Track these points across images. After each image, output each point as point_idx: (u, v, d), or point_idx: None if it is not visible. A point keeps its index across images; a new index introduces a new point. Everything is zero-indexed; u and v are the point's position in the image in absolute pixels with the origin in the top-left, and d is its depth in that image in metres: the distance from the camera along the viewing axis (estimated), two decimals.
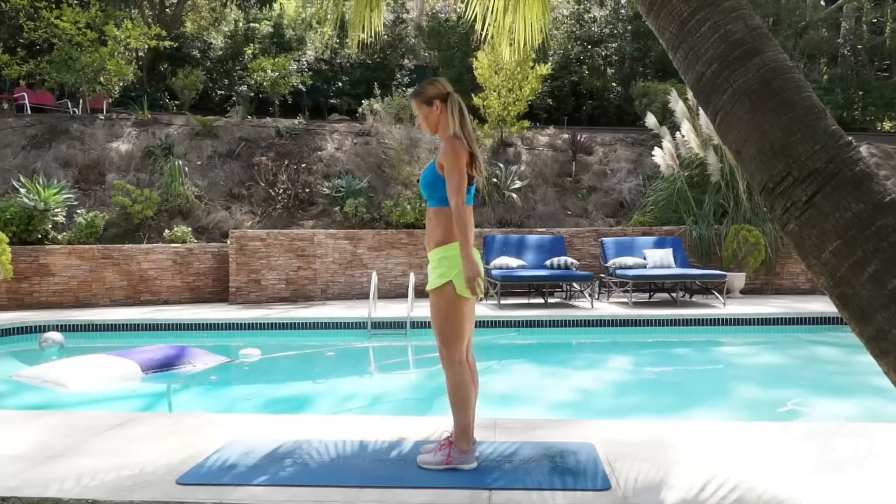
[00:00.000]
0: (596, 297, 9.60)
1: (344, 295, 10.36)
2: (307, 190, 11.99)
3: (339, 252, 10.39)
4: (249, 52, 17.41)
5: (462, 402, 2.96)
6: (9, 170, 11.52)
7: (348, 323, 8.22)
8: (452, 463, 2.93)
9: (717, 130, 2.39)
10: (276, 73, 15.03)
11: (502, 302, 9.43)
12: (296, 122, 14.07)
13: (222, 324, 8.33)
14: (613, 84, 18.54)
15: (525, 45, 5.01)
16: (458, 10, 16.56)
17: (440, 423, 3.55)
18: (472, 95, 13.47)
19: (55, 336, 7.41)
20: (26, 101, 14.10)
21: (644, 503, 2.61)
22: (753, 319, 8.21)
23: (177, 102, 16.23)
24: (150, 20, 17.28)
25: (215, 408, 5.23)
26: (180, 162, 11.71)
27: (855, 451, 3.16)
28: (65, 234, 10.28)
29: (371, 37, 5.02)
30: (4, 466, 3.04)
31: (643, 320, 8.26)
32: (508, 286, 9.73)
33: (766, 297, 10.28)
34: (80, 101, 13.96)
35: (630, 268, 9.41)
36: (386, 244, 10.50)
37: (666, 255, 9.66)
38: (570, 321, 8.25)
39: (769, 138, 2.19)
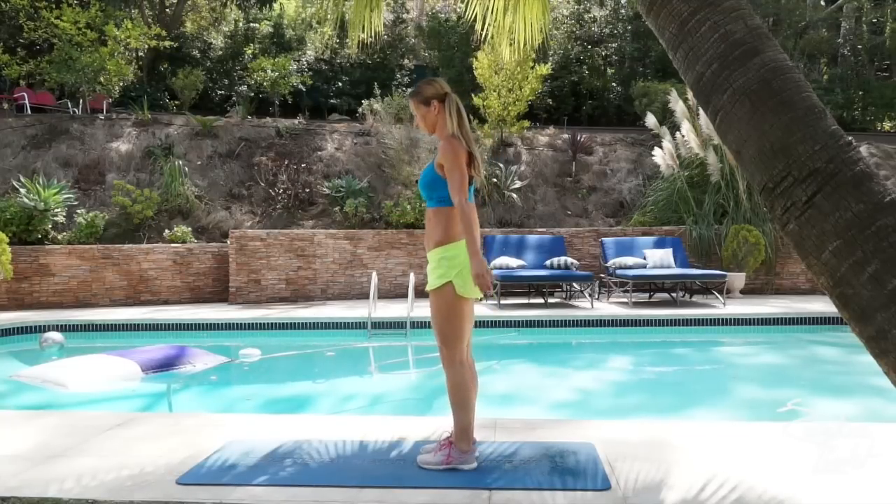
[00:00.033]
0: (596, 297, 9.60)
1: (344, 295, 10.36)
2: (307, 190, 11.99)
3: (339, 252, 10.39)
4: (249, 52, 17.41)
5: (462, 402, 2.96)
6: (9, 170, 11.52)
7: (348, 323, 8.22)
8: (452, 463, 2.93)
9: (717, 130, 2.39)
10: (276, 73, 15.03)
11: (502, 302, 9.43)
12: (296, 122, 14.07)
13: (222, 324, 8.33)
14: (613, 84, 18.54)
15: (525, 45, 5.00)
16: (458, 10, 16.56)
17: (440, 423, 3.55)
18: (472, 95, 13.47)
19: (55, 336, 7.40)
20: (26, 101, 14.10)
21: (644, 503, 2.61)
22: (753, 319, 8.21)
23: (177, 102, 16.24)
24: (150, 20, 17.28)
25: (215, 408, 5.23)
26: (180, 162, 11.71)
27: (855, 451, 3.16)
28: (65, 234, 10.28)
29: (371, 37, 5.02)
30: (4, 466, 3.04)
31: (643, 320, 8.26)
32: (508, 286, 9.73)
33: (766, 297, 10.28)
34: (80, 101, 13.96)
35: (630, 268, 9.41)
36: (386, 244, 10.50)
37: (666, 255, 9.66)
38: (570, 321, 8.25)
39: (769, 138, 2.18)
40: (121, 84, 14.31)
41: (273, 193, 11.93)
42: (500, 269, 9.32)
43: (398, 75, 18.21)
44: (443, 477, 2.86)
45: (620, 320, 8.25)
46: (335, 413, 4.96)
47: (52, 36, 14.23)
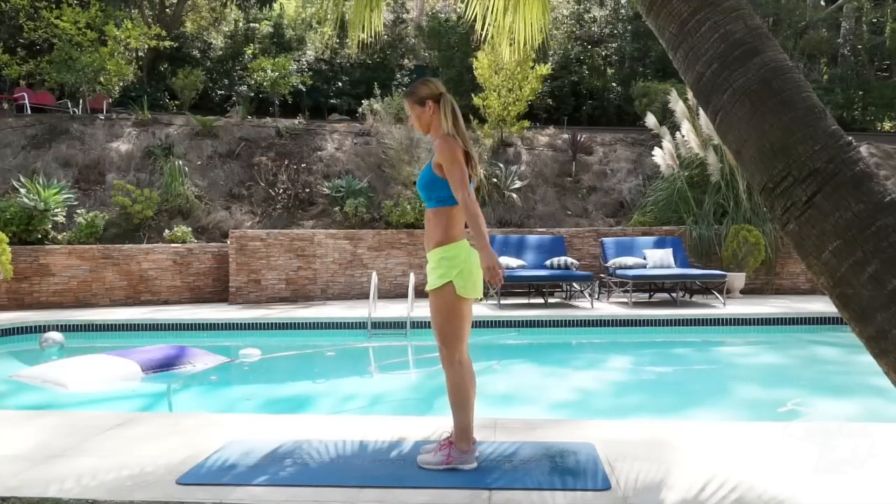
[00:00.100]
0: (596, 297, 9.60)
1: (344, 295, 10.36)
2: (307, 190, 12.00)
3: (339, 252, 10.39)
4: (249, 52, 17.42)
5: (462, 402, 2.96)
6: (9, 170, 11.52)
7: (348, 323, 8.22)
8: (452, 463, 2.93)
9: (717, 130, 2.39)
10: (276, 73, 15.03)
11: (502, 302, 9.43)
12: (296, 122, 14.08)
13: (222, 324, 8.33)
14: (613, 84, 18.54)
15: (525, 45, 5.00)
16: (458, 10, 16.56)
17: (440, 423, 3.55)
18: (472, 95, 13.48)
19: (55, 336, 7.40)
20: (26, 101, 14.10)
21: (644, 503, 2.61)
22: (753, 319, 8.21)
23: (177, 102, 16.24)
24: (150, 20, 17.28)
25: (215, 408, 5.23)
26: (180, 162, 11.71)
27: (855, 451, 3.16)
28: (65, 234, 10.28)
29: (371, 37, 5.02)
30: (4, 466, 3.04)
31: (643, 320, 8.26)
32: (508, 286, 9.72)
33: (766, 297, 10.28)
34: (80, 101, 13.96)
35: (630, 268, 9.41)
36: (386, 244, 10.50)
37: (666, 255, 9.66)
38: (570, 321, 8.25)
39: (769, 138, 2.18)
40: (121, 84, 14.32)
41: (273, 193, 11.93)
42: None
43: (398, 75, 18.22)
44: (443, 477, 2.86)
45: (620, 320, 8.25)
46: (335, 413, 4.96)
47: (52, 36, 14.23)
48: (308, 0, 20.45)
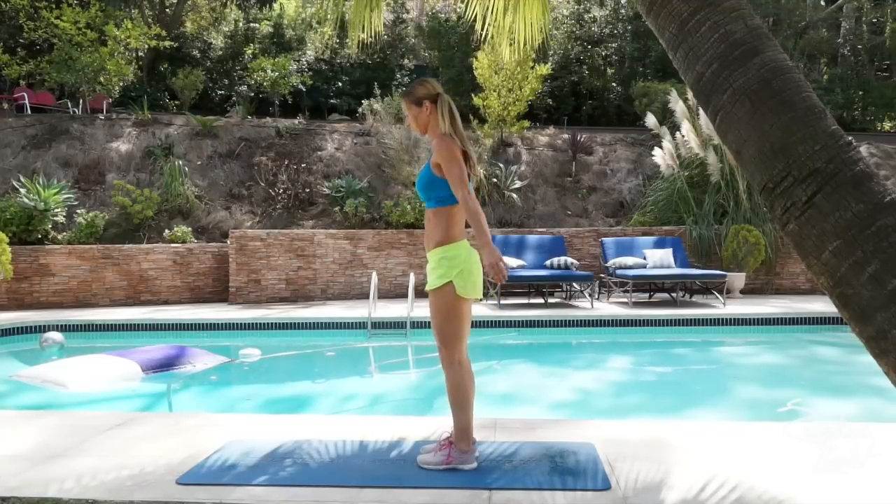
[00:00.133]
0: (596, 297, 9.60)
1: (344, 295, 10.36)
2: (307, 190, 12.00)
3: (339, 252, 10.39)
4: (249, 52, 17.42)
5: (462, 402, 2.96)
6: (9, 170, 11.52)
7: (348, 323, 8.22)
8: (452, 463, 2.93)
9: (717, 130, 2.39)
10: (276, 73, 15.03)
11: (502, 302, 9.43)
12: (296, 122, 14.08)
13: (222, 324, 8.33)
14: (613, 84, 18.54)
15: (525, 45, 5.00)
16: (458, 10, 16.56)
17: (440, 423, 3.55)
18: (472, 95, 13.47)
19: (55, 336, 7.41)
20: (26, 101, 14.11)
21: (644, 503, 2.61)
22: (753, 319, 8.21)
23: (177, 102, 16.24)
24: (150, 20, 17.29)
25: (215, 408, 5.23)
26: (180, 162, 11.71)
27: (855, 451, 3.16)
28: (65, 234, 10.28)
29: (371, 37, 5.02)
30: (4, 466, 3.04)
31: (643, 320, 8.26)
32: (508, 286, 9.73)
33: (766, 297, 10.28)
34: (80, 101, 13.96)
35: (630, 268, 9.41)
36: (386, 244, 10.50)
37: (666, 255, 9.66)
38: (570, 321, 8.25)
39: (769, 138, 2.18)
40: (121, 84, 14.32)
41: (273, 193, 11.93)
42: None
43: (398, 75, 18.22)
44: (443, 477, 2.86)
45: (620, 320, 8.25)
46: (335, 413, 4.96)
47: (52, 36, 14.23)
48: (308, 0, 20.45)
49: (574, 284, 9.69)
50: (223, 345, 7.45)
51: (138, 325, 8.28)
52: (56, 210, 10.14)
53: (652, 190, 12.19)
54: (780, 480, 2.81)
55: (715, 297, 9.44)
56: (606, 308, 8.87)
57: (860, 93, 18.91)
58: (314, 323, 8.29)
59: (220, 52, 18.71)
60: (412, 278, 8.22)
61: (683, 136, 11.35)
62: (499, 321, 8.23)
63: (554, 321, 8.25)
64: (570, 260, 9.40)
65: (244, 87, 16.31)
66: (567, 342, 8.01)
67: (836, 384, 5.89)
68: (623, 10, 19.55)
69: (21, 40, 15.95)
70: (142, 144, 12.55)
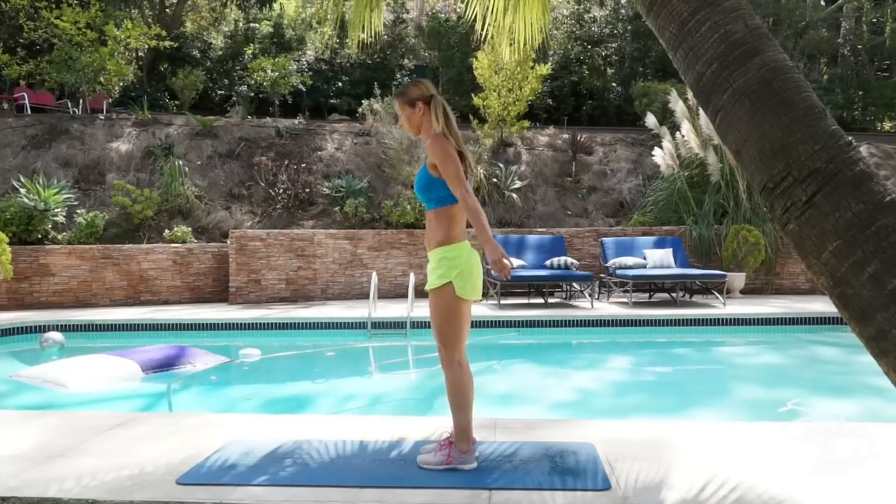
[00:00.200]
0: (596, 297, 9.60)
1: (344, 295, 10.36)
2: (307, 190, 12.00)
3: (339, 252, 10.39)
4: (249, 52, 17.42)
5: (462, 402, 2.96)
6: (9, 170, 11.52)
7: (348, 323, 8.22)
8: (452, 463, 2.93)
9: (717, 130, 2.39)
10: (276, 73, 15.03)
11: (502, 302, 9.43)
12: (296, 122, 14.07)
13: (222, 324, 8.33)
14: (613, 84, 18.54)
15: (525, 45, 5.00)
16: (458, 10, 16.56)
17: (440, 423, 3.55)
18: (472, 95, 13.47)
19: (56, 336, 7.41)
20: (26, 101, 14.11)
21: (644, 503, 2.61)
22: (753, 319, 8.21)
23: (177, 102, 16.24)
24: (150, 20, 17.29)
25: (215, 408, 5.23)
26: (180, 162, 11.71)
27: (855, 451, 3.16)
28: (65, 234, 10.28)
29: (371, 37, 5.02)
30: (4, 466, 3.04)
31: (643, 320, 8.26)
32: (508, 286, 9.73)
33: (766, 297, 10.28)
34: (80, 101, 13.96)
35: (630, 268, 9.41)
36: (386, 244, 10.50)
37: (666, 255, 9.66)
38: (570, 321, 8.25)
39: (769, 138, 2.18)
40: (121, 84, 14.32)
41: (273, 193, 11.93)
42: None
43: (398, 75, 18.22)
44: (443, 477, 2.86)
45: (620, 320, 8.25)
46: (335, 413, 4.96)
47: (52, 36, 14.23)
48: (308, 0, 20.45)
49: (574, 284, 9.69)
50: (223, 345, 7.45)
51: (138, 325, 8.28)
52: (56, 210, 10.14)
53: (652, 190, 12.19)
54: (780, 480, 2.81)
55: (715, 297, 9.44)
56: (606, 308, 8.87)
57: (860, 93, 18.92)
58: (314, 323, 8.29)
59: (220, 52, 18.71)
60: (412, 278, 8.22)
61: (683, 136, 11.35)
62: (499, 321, 8.23)
63: (554, 321, 8.25)
64: (570, 260, 9.40)
65: (244, 87, 16.31)
66: (567, 342, 8.01)
67: (836, 384, 5.89)
68: (623, 10, 19.55)
69: (21, 40, 15.96)
70: (142, 144, 12.55)
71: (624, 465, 3.01)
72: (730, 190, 10.99)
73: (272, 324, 8.34)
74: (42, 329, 7.92)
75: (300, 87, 15.82)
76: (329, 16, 15.78)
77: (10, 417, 4.05)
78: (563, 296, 10.04)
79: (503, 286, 9.46)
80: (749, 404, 5.24)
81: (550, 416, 4.73)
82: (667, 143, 11.49)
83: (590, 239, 10.86)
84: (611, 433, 3.49)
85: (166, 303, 9.97)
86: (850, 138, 2.15)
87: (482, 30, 5.03)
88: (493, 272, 9.05)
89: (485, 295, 9.27)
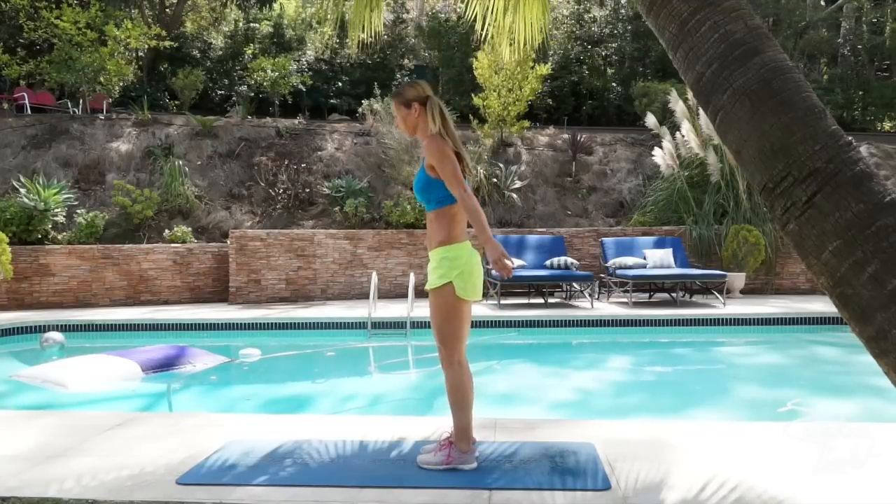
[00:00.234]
0: (596, 297, 9.60)
1: (344, 295, 10.36)
2: (307, 190, 12.00)
3: (339, 252, 10.39)
4: (249, 52, 17.42)
5: (462, 402, 2.96)
6: (9, 170, 11.52)
7: (348, 323, 8.22)
8: (452, 463, 2.93)
9: (717, 130, 2.39)
10: (276, 73, 15.03)
11: (502, 302, 9.43)
12: (296, 122, 14.07)
13: (222, 324, 8.33)
14: (613, 84, 18.54)
15: (525, 45, 5.01)
16: (458, 10, 16.56)
17: (440, 423, 3.55)
18: (472, 95, 13.47)
19: (56, 336, 7.40)
20: (26, 101, 14.10)
21: (644, 503, 2.61)
22: (753, 319, 8.21)
23: (177, 102, 16.24)
24: (150, 20, 17.28)
25: (215, 408, 5.23)
26: (180, 162, 11.71)
27: (855, 451, 3.16)
28: (65, 234, 10.28)
29: (371, 37, 5.02)
30: (4, 466, 3.04)
31: (643, 320, 8.26)
32: (508, 286, 9.73)
33: (766, 297, 10.28)
34: (80, 101, 13.96)
35: (630, 268, 9.41)
36: (386, 244, 10.50)
37: (666, 255, 9.66)
38: (570, 321, 8.25)
39: (769, 138, 2.18)
40: (121, 84, 14.31)
41: (273, 193, 11.93)
42: None
43: (398, 75, 18.22)
44: (443, 477, 2.86)
45: (620, 320, 8.25)
46: (335, 413, 4.96)
47: (52, 36, 14.23)
48: (308, 0, 20.45)
49: (574, 284, 9.69)
50: (223, 345, 7.45)
51: (138, 325, 8.28)
52: (56, 210, 10.14)
53: (652, 190, 12.19)
54: (780, 480, 2.81)
55: (715, 297, 9.44)
56: (606, 308, 8.87)
57: (860, 93, 18.91)
58: (314, 323, 8.29)
59: (220, 52, 18.71)
60: (412, 278, 8.21)
61: (683, 136, 11.35)
62: (499, 321, 8.23)
63: (554, 321, 8.25)
64: (570, 260, 9.40)
65: (244, 87, 16.31)
66: (567, 342, 8.01)
67: (836, 384, 5.89)
68: (623, 10, 19.55)
69: (21, 40, 15.95)
70: (142, 144, 12.55)
71: (624, 465, 3.01)
72: (730, 190, 11.00)
73: (272, 324, 8.34)
74: (42, 329, 7.92)
75: (300, 87, 15.81)
76: (329, 16, 15.78)
77: (10, 417, 4.05)
78: (563, 296, 10.04)
79: (503, 286, 9.46)
80: (749, 404, 5.24)
81: (550, 416, 4.73)
82: (667, 143, 11.49)
83: (590, 239, 10.86)
84: (611, 433, 3.49)
85: (166, 303, 9.97)
86: (850, 138, 2.15)
87: (482, 30, 5.04)
88: (493, 272, 9.09)
89: (485, 295, 9.27)
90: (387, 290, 10.30)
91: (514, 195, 12.13)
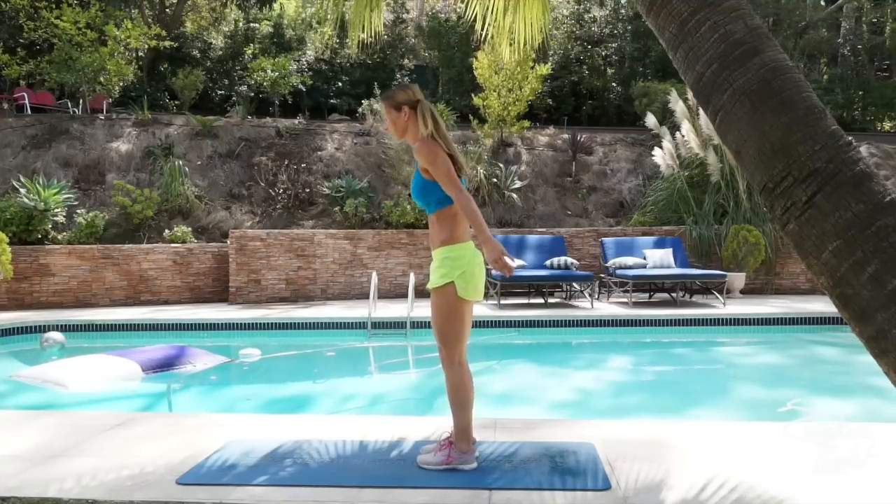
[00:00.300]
0: (596, 297, 9.60)
1: (344, 295, 10.36)
2: (307, 190, 11.99)
3: (339, 252, 10.39)
4: (249, 52, 17.41)
5: (462, 402, 2.96)
6: (9, 170, 11.52)
7: (348, 323, 8.22)
8: (452, 463, 2.93)
9: (717, 130, 2.39)
10: (276, 73, 15.03)
11: (502, 302, 9.43)
12: (296, 122, 14.07)
13: (222, 324, 8.33)
14: (613, 84, 18.54)
15: (525, 45, 5.01)
16: (458, 10, 16.56)
17: (440, 423, 3.55)
18: (472, 95, 13.47)
19: (56, 336, 7.41)
20: (26, 101, 14.10)
21: (644, 503, 2.61)
22: (753, 319, 8.21)
23: (177, 102, 16.24)
24: (150, 20, 17.28)
25: (215, 408, 5.23)
26: (180, 162, 11.71)
27: (855, 451, 3.16)
28: (65, 234, 10.28)
29: (371, 37, 5.02)
30: (4, 466, 3.04)
31: (643, 320, 8.25)
32: (508, 286, 9.73)
33: (766, 297, 10.28)
34: (80, 101, 13.96)
35: (630, 268, 9.41)
36: (386, 244, 10.50)
37: (666, 255, 9.66)
38: (570, 321, 8.25)
39: (769, 138, 2.18)
40: (121, 84, 14.31)
41: (273, 193, 11.93)
42: None
43: (398, 75, 18.22)
44: (443, 477, 2.86)
45: (620, 320, 8.25)
46: (335, 413, 4.96)
47: (52, 36, 14.23)
48: (308, 0, 20.45)
49: (574, 284, 9.69)
50: (223, 345, 7.45)
51: (138, 325, 8.28)
52: (56, 210, 10.14)
53: (652, 190, 12.19)
54: (780, 480, 2.81)
55: (715, 297, 9.44)
56: (606, 308, 8.87)
57: (860, 93, 18.91)
58: (314, 323, 8.29)
59: (220, 52, 18.70)
60: (412, 278, 8.21)
61: (683, 136, 11.35)
62: (499, 321, 8.23)
63: (554, 321, 8.25)
64: (570, 260, 9.40)
65: (244, 87, 16.31)
66: (567, 342, 8.01)
67: (836, 384, 5.89)
68: (623, 10, 19.55)
69: (21, 40, 15.95)
70: (142, 144, 12.55)
71: (624, 465, 3.01)
72: (730, 190, 11.00)
73: (272, 324, 8.34)
74: (42, 329, 7.92)
75: (300, 87, 15.81)
76: (329, 16, 15.79)
77: (10, 417, 4.05)
78: (563, 296, 10.04)
79: (503, 286, 9.46)
80: (749, 404, 5.24)
81: (550, 416, 4.73)
82: (667, 143, 11.49)
83: (590, 239, 10.86)
84: (611, 433, 3.49)
85: (166, 303, 9.97)
86: (850, 138, 2.15)
87: (482, 30, 5.04)
88: (493, 272, 9.09)
89: (485, 295, 9.27)
90: (387, 290, 10.30)
91: (514, 195, 12.13)
